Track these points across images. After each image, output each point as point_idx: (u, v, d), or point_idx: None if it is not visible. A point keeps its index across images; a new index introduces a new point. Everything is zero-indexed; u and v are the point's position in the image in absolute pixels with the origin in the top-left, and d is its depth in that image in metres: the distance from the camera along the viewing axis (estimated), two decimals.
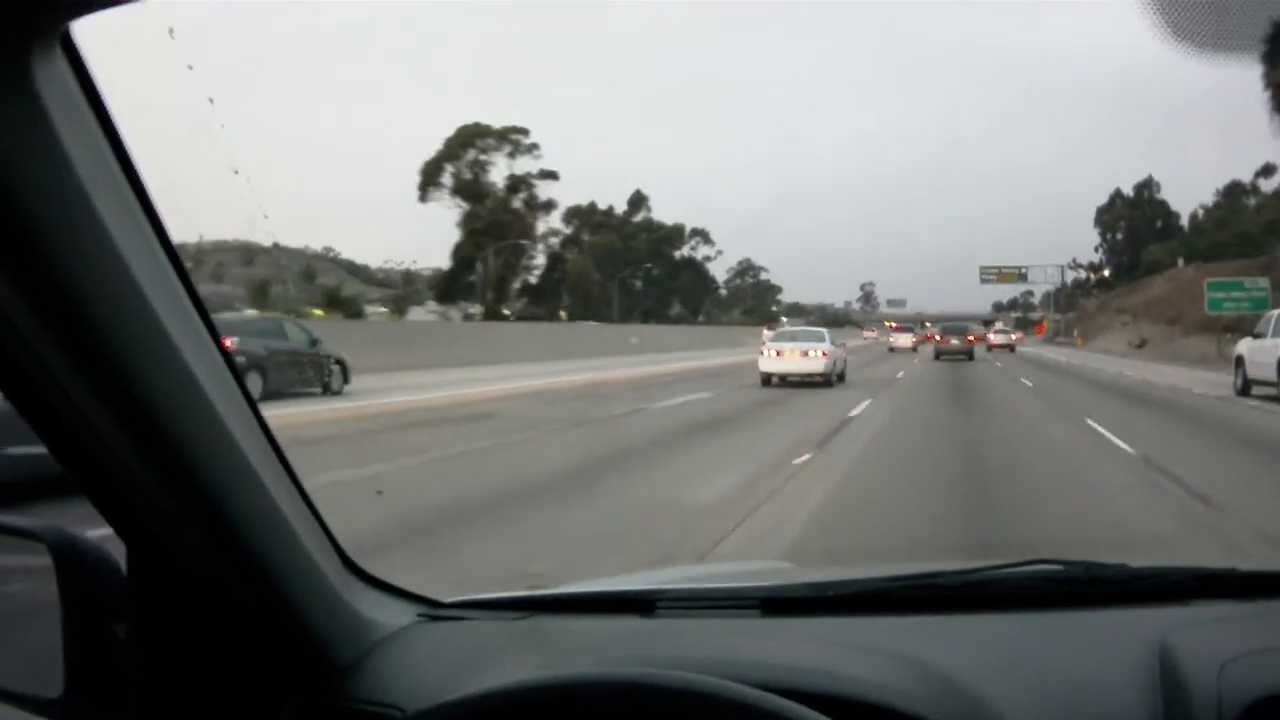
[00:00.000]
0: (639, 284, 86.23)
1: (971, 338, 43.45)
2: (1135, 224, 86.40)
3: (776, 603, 1.38)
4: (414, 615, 1.36)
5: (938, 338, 44.42)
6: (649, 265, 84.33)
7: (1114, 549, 4.91)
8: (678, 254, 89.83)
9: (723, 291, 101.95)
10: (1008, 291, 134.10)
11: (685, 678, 0.90)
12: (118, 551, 1.08)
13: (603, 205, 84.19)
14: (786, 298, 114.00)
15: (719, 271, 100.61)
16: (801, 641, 1.25)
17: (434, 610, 1.39)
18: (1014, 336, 62.17)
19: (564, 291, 77.49)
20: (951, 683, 1.10)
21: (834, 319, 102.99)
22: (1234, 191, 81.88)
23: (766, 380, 22.20)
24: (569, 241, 79.92)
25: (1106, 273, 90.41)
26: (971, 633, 1.27)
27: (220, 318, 19.02)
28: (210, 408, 0.96)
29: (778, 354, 22.56)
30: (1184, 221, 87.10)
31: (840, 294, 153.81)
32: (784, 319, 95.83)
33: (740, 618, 1.36)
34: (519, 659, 1.21)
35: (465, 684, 1.07)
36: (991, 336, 58.45)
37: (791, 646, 1.22)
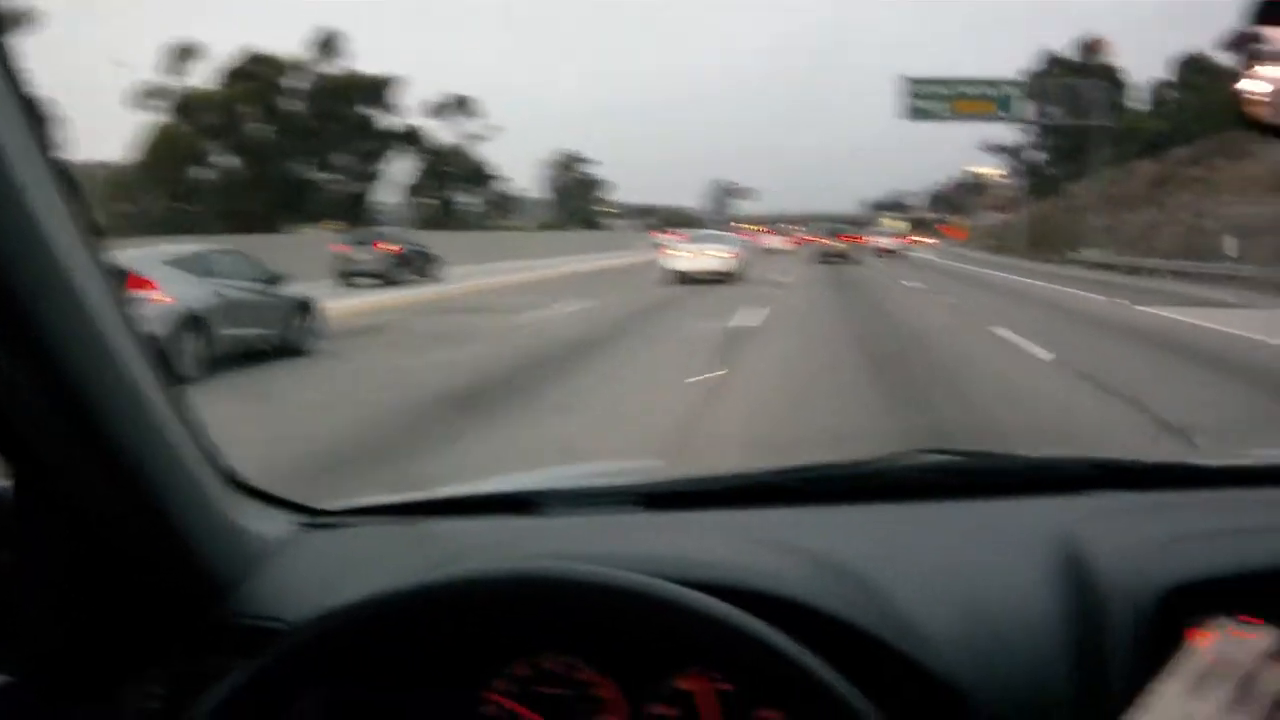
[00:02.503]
0: (312, 169, 49.80)
1: (861, 239, 47.22)
2: (1082, 91, 63.72)
3: (661, 497, 1.36)
4: (295, 525, 1.32)
5: (822, 240, 43.51)
6: (257, 122, 47.23)
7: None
8: (385, 121, 53.19)
9: (521, 189, 71.22)
10: (960, 137, 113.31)
11: (587, 570, 0.91)
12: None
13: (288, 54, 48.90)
14: (621, 197, 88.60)
15: (515, 159, 70.91)
16: (688, 534, 1.23)
17: (315, 519, 1.35)
18: (902, 240, 57.41)
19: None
20: (845, 571, 1.08)
21: (683, 220, 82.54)
22: (1193, 66, 59.47)
23: (680, 278, 24.74)
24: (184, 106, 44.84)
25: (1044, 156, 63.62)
26: (864, 523, 1.25)
27: (375, 230, 28.47)
28: (84, 307, 0.92)
29: (690, 255, 25.95)
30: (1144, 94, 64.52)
31: (682, 193, 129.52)
32: (619, 222, 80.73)
33: (626, 513, 1.35)
34: (404, 564, 1.18)
35: (349, 592, 1.04)
36: (880, 240, 53.16)
37: (679, 539, 1.21)
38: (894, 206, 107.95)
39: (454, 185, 58.75)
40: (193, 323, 9.59)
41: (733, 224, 74.53)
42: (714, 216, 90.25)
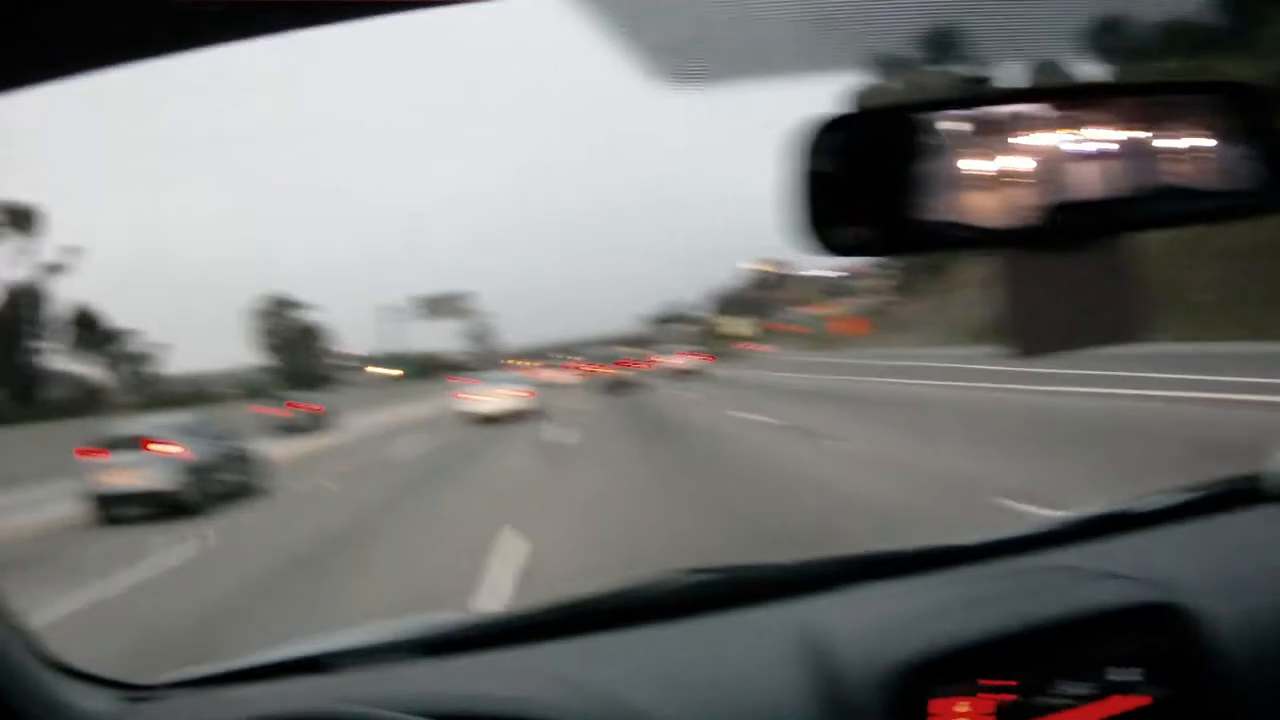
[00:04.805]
0: None
1: (645, 363, 43.79)
2: None
3: (441, 644, 1.46)
4: (118, 701, 1.39)
5: (605, 369, 41.43)
6: None
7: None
8: None
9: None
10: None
11: (360, 711, 1.10)
12: None
13: None
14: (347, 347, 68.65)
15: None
16: (466, 676, 1.33)
17: (137, 694, 1.42)
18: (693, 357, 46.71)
19: None
20: (609, 698, 1.18)
21: (440, 365, 68.64)
22: None
23: (484, 420, 25.59)
24: None
25: None
26: (627, 647, 1.36)
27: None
28: None
29: (488, 398, 27.13)
30: None
31: (434, 337, 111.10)
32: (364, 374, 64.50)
33: (411, 663, 1.43)
34: None
35: None
36: (672, 360, 45.32)
37: (457, 681, 1.31)
38: (678, 319, 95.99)
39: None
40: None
41: (505, 361, 61.60)
42: (481, 359, 73.36)
